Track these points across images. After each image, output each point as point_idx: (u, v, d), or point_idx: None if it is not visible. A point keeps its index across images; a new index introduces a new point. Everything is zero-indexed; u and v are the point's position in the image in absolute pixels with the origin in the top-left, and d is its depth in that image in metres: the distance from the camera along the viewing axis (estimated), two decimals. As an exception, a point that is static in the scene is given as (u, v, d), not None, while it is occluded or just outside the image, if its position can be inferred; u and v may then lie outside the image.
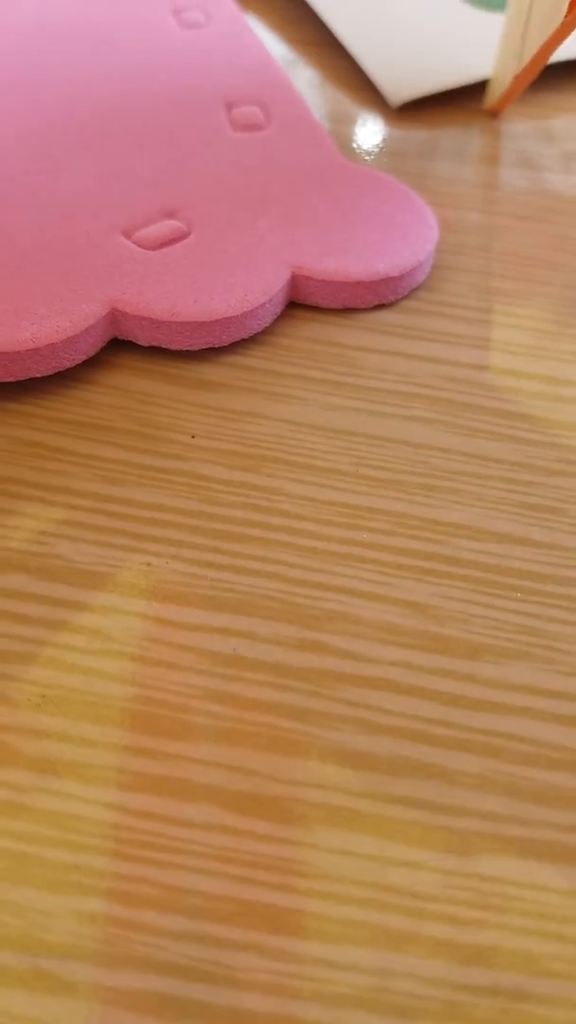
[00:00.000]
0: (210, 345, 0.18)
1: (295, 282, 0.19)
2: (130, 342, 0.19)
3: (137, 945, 0.12)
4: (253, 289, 0.18)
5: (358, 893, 0.13)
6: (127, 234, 0.19)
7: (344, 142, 0.24)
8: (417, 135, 0.24)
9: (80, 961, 0.12)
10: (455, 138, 0.24)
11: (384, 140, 0.24)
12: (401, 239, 0.20)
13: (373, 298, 0.20)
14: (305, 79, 0.26)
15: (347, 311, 0.20)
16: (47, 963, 0.12)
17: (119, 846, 0.13)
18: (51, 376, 0.18)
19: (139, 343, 0.18)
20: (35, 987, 0.12)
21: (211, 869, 0.13)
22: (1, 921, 0.12)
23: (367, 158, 0.24)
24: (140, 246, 0.19)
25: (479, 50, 0.26)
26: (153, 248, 0.19)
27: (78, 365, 0.18)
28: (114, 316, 0.18)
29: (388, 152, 0.24)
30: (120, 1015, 0.12)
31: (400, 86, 0.25)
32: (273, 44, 0.27)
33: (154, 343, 0.18)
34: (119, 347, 0.19)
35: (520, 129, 0.25)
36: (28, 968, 0.12)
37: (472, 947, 0.13)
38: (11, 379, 0.17)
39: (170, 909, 0.13)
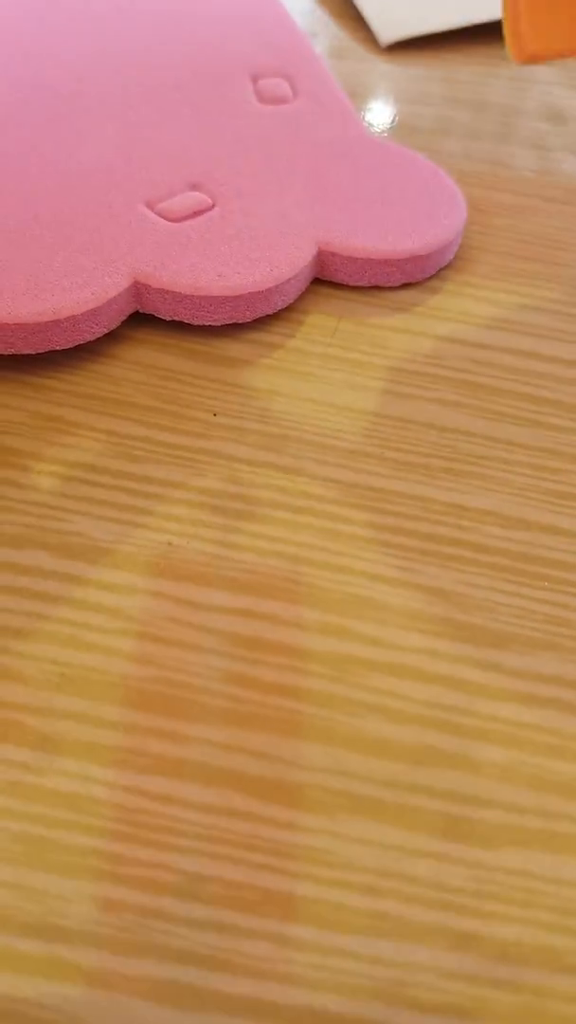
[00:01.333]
0: (233, 321, 0.18)
1: (321, 258, 0.19)
2: (152, 316, 0.18)
3: (155, 933, 0.12)
4: (278, 264, 0.18)
5: (380, 883, 0.13)
6: (150, 206, 0.19)
7: (368, 116, 0.23)
8: (435, 111, 0.24)
9: (97, 948, 0.12)
10: (486, 117, 0.24)
11: (411, 116, 0.24)
12: (429, 217, 0.19)
13: (400, 276, 0.19)
14: (324, 51, 0.25)
15: (373, 289, 0.19)
16: (64, 950, 0.12)
17: (138, 831, 0.13)
18: (72, 350, 0.18)
19: (161, 317, 0.18)
20: (52, 974, 0.12)
21: (232, 856, 0.13)
22: (18, 907, 0.12)
23: (385, 133, 0.23)
24: (164, 218, 0.18)
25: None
26: (177, 220, 0.18)
27: (99, 339, 0.18)
28: (136, 289, 0.17)
29: (414, 129, 0.23)
30: (137, 1003, 0.12)
31: (391, 27, 0.25)
32: (298, 15, 0.26)
33: (176, 318, 0.18)
34: (141, 321, 0.18)
35: (532, 108, 0.24)
36: (45, 954, 0.12)
37: (495, 941, 0.13)
38: (32, 351, 0.17)
39: (189, 896, 0.12)
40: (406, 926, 0.13)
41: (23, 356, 0.17)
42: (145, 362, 0.18)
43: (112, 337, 0.18)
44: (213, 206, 0.19)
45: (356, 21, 0.26)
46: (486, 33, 0.26)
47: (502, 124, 0.24)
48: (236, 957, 0.12)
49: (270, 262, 0.18)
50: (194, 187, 0.19)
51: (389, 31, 0.25)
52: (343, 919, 0.13)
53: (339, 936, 0.12)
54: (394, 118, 0.24)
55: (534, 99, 0.25)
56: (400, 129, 0.23)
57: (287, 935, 0.12)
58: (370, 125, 0.23)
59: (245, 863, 0.13)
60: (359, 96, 0.24)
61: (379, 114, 0.24)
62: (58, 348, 0.17)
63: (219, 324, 0.18)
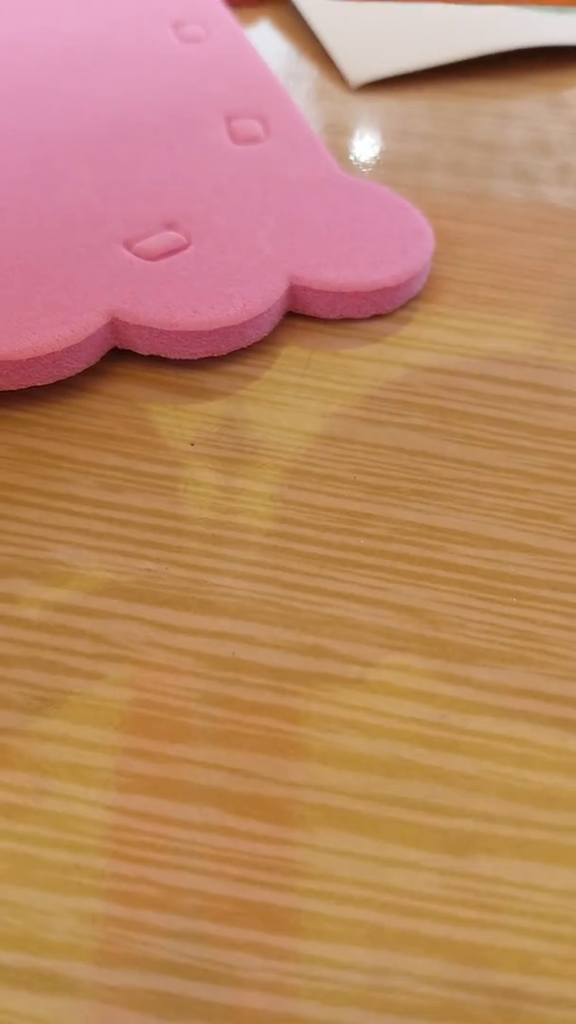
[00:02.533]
0: (209, 354, 0.19)
1: (293, 292, 0.19)
2: (130, 351, 0.19)
3: (137, 944, 0.13)
4: (252, 299, 0.19)
5: (356, 893, 0.13)
6: (127, 245, 0.19)
7: (342, 154, 0.24)
8: (414, 147, 0.25)
9: (81, 961, 0.12)
10: (451, 151, 0.25)
11: (382, 152, 0.25)
12: (398, 250, 0.20)
13: (370, 308, 0.20)
14: (304, 92, 0.26)
15: (344, 321, 0.20)
16: (48, 963, 0.12)
17: (119, 847, 0.13)
18: (52, 385, 0.18)
19: (139, 352, 0.19)
20: (36, 987, 0.12)
21: (210, 869, 0.13)
22: (2, 921, 0.13)
23: (365, 170, 0.24)
24: (140, 257, 0.19)
25: (442, 38, 0.27)
26: (153, 259, 0.19)
27: (79, 374, 0.18)
28: (114, 326, 0.18)
29: (385, 164, 0.24)
30: (121, 1014, 0.12)
31: (360, 69, 0.26)
32: (272, 57, 0.27)
33: (154, 352, 0.18)
34: (119, 356, 0.19)
35: (516, 141, 0.25)
36: (29, 968, 0.12)
37: (469, 946, 0.13)
38: (13, 388, 0.17)
39: (170, 909, 0.13)
40: (381, 933, 0.13)
41: (4, 392, 0.18)
42: (124, 395, 0.18)
43: (92, 372, 0.19)
44: (188, 244, 0.19)
45: (330, 62, 0.27)
46: (467, 68, 0.27)
47: (479, 158, 0.25)
48: (216, 967, 0.13)
49: (243, 297, 0.19)
50: (170, 226, 0.20)
51: (359, 72, 0.26)
52: (320, 928, 0.13)
53: (316, 944, 0.13)
54: (375, 156, 0.24)
55: (515, 132, 0.25)
56: (380, 166, 0.24)
57: (266, 945, 0.13)
58: (352, 163, 0.24)
59: (224, 876, 0.13)
60: (340, 135, 0.25)
61: (359, 152, 0.25)
62: (39, 384, 0.17)
63: (196, 358, 0.19)
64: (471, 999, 0.13)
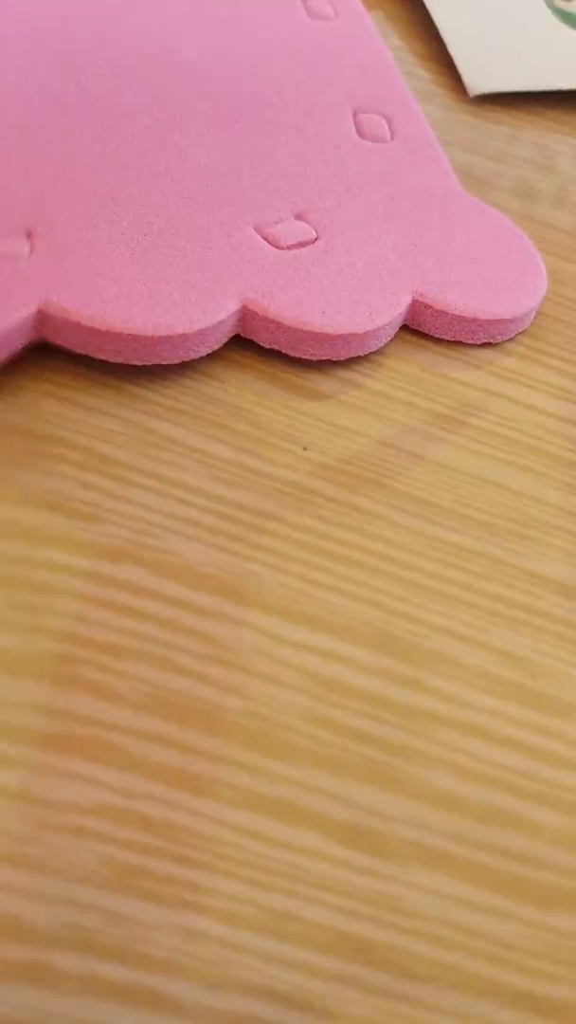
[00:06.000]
0: (328, 358, 0.18)
1: (413, 308, 0.19)
2: (249, 341, 0.18)
3: (239, 968, 0.12)
4: (377, 309, 0.18)
5: (447, 935, 0.13)
6: (258, 229, 0.19)
7: (452, 169, 0.24)
8: (525, 175, 0.24)
9: (182, 979, 0.12)
10: (562, 184, 0.25)
11: (489, 173, 0.24)
12: (515, 282, 0.20)
13: (483, 336, 0.20)
14: (412, 91, 0.26)
15: (455, 344, 0.20)
16: (149, 978, 0.12)
17: (222, 863, 0.13)
18: (172, 364, 0.18)
19: (259, 343, 0.18)
20: (137, 1001, 0.12)
21: (312, 896, 0.13)
22: (101, 930, 0.12)
23: (467, 188, 0.24)
24: (271, 244, 0.18)
25: (564, 62, 0.26)
26: (283, 248, 0.18)
27: (199, 358, 0.18)
28: (243, 314, 0.17)
29: (490, 186, 0.24)
30: (217, 1035, 0.12)
31: (482, 79, 0.25)
32: (391, 50, 0.27)
33: (275, 346, 0.18)
34: (238, 344, 0.18)
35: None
36: (130, 981, 0.12)
37: (548, 1001, 0.13)
38: (138, 362, 0.17)
39: (272, 933, 0.13)
40: (473, 979, 0.13)
41: (126, 365, 0.17)
42: (240, 386, 0.18)
43: (211, 356, 0.18)
44: (317, 239, 0.19)
45: (442, 65, 0.27)
46: None
47: None
48: (314, 997, 0.12)
49: (370, 306, 0.18)
50: (299, 216, 0.19)
51: (480, 81, 0.25)
52: (415, 968, 0.13)
53: (409, 984, 0.13)
54: (478, 175, 0.24)
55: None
56: (476, 184, 0.24)
57: (362, 979, 0.13)
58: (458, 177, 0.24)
59: (324, 904, 0.13)
60: (443, 146, 0.24)
61: (456, 165, 0.24)
62: (163, 363, 0.17)
63: (314, 359, 0.18)
64: (545, 1055, 0.13)
